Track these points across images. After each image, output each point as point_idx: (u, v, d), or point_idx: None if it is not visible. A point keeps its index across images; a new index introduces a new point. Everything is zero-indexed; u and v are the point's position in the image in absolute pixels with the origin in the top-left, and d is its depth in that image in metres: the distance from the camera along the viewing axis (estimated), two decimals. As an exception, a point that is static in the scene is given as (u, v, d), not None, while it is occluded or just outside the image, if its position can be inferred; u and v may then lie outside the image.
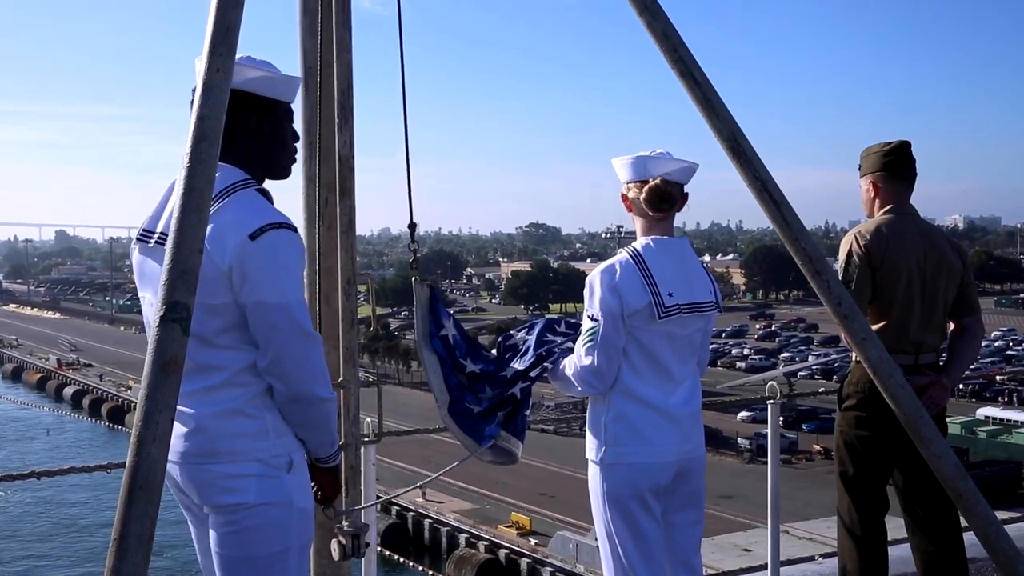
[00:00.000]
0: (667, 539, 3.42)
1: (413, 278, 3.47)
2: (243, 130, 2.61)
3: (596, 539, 3.45)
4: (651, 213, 3.40)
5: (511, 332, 3.66)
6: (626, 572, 3.35)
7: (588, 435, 3.42)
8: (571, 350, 3.48)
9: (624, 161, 3.45)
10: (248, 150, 2.65)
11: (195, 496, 2.64)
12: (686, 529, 3.46)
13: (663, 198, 3.38)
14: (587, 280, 3.37)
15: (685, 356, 3.42)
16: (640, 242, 3.41)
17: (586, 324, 3.34)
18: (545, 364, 3.48)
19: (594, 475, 3.39)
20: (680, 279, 3.35)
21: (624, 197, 3.48)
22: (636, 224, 3.49)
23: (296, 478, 2.65)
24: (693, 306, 3.36)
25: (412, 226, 3.46)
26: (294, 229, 2.61)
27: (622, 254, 3.38)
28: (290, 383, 2.58)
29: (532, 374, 3.49)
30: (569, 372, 3.41)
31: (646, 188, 3.38)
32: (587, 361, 3.32)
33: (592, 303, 3.32)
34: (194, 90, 2.67)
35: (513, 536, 37.45)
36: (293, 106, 2.82)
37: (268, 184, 2.78)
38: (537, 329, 3.59)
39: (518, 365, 3.50)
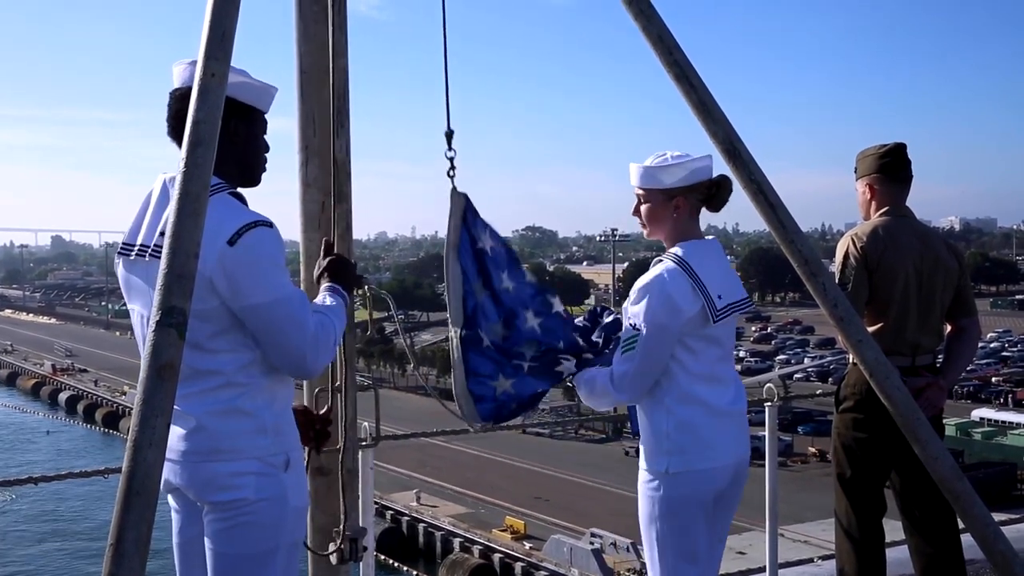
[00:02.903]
0: None
1: (451, 187, 3.34)
2: (222, 134, 2.59)
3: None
4: (712, 212, 3.38)
5: (613, 315, 3.56)
6: None
7: (645, 446, 3.30)
8: (608, 356, 3.37)
9: (688, 166, 3.30)
10: (226, 154, 2.64)
11: (193, 494, 2.65)
12: (722, 538, 3.40)
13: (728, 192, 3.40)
14: (635, 288, 3.25)
15: (728, 356, 3.37)
16: (681, 248, 3.29)
17: (628, 332, 3.24)
18: (586, 355, 3.37)
19: (653, 486, 3.26)
20: (724, 279, 3.29)
21: (678, 205, 3.32)
22: (672, 228, 3.35)
23: (292, 477, 2.68)
24: (737, 304, 3.32)
25: (449, 133, 3.40)
26: (270, 224, 2.60)
27: (667, 262, 3.25)
28: (303, 372, 2.70)
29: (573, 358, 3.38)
30: (603, 381, 3.31)
31: (720, 186, 3.33)
32: (623, 368, 3.23)
33: (638, 312, 3.21)
34: (171, 93, 2.71)
35: (507, 540, 37.42)
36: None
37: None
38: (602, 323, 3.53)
39: (579, 338, 3.41)
